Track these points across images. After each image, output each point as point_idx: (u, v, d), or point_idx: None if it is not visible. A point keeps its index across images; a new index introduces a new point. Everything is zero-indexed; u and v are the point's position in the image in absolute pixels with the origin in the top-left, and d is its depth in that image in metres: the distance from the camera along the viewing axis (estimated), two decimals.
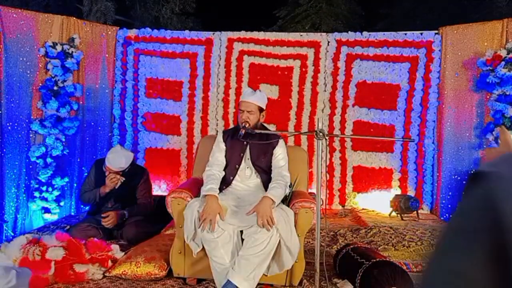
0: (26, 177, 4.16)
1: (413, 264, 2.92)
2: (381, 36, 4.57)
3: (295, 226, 2.52)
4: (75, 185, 4.46)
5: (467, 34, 4.22)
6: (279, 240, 2.43)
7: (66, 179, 4.34)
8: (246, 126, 2.64)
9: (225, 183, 2.72)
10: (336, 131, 4.55)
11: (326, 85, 4.62)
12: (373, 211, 4.44)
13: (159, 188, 4.70)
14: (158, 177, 4.74)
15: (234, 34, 4.73)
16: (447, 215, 4.30)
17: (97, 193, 3.35)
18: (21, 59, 4.09)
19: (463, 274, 0.33)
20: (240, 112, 2.72)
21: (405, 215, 4.12)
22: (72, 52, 4.30)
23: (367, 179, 4.61)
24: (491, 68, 3.90)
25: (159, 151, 4.81)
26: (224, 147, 2.77)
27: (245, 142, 2.71)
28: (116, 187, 3.30)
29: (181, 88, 4.79)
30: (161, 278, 2.66)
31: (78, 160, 4.51)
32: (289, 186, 2.73)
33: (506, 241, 0.30)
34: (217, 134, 2.95)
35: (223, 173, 2.74)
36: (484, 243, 0.32)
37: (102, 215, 3.23)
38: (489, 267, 0.31)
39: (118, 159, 3.29)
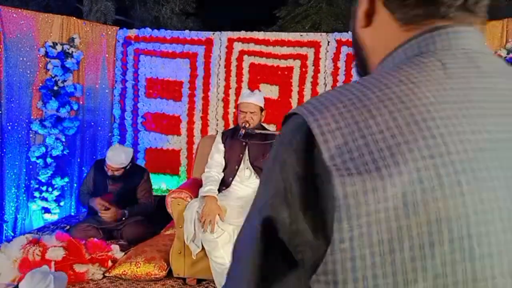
0: (26, 177, 4.16)
1: None
2: None
3: None
4: (75, 185, 4.46)
5: None
6: None
7: (66, 179, 4.34)
8: (246, 126, 2.64)
9: (225, 184, 2.72)
10: None
11: (326, 85, 4.62)
12: None
13: (159, 188, 4.70)
14: (158, 177, 4.74)
15: (234, 34, 4.73)
16: None
17: (88, 202, 3.39)
18: (21, 59, 4.09)
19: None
20: (240, 114, 2.71)
21: None
22: (72, 52, 4.30)
23: None
24: None
25: (159, 151, 4.81)
26: (223, 148, 2.77)
27: (244, 143, 2.71)
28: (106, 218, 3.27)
29: (181, 88, 4.79)
30: (161, 278, 2.66)
31: (78, 160, 4.52)
32: None
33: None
34: (216, 135, 2.95)
35: (222, 174, 2.74)
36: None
37: (102, 210, 3.23)
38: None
39: (117, 155, 3.30)
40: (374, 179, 0.34)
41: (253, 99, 2.68)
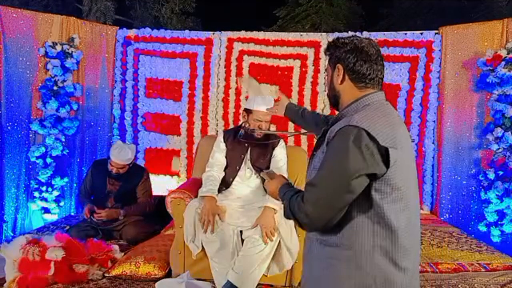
0: (26, 177, 4.15)
1: None
2: (381, 36, 4.57)
3: (295, 226, 2.52)
4: (75, 185, 4.46)
5: (467, 34, 4.21)
6: (279, 241, 2.43)
7: (66, 179, 4.34)
8: (246, 126, 2.63)
9: (225, 184, 2.72)
10: None
11: (326, 85, 4.61)
12: None
13: (158, 188, 4.69)
14: (158, 177, 4.74)
15: (234, 34, 4.73)
16: (447, 215, 4.30)
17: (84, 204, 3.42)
18: (21, 59, 4.09)
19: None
20: (255, 122, 2.60)
21: None
22: (72, 52, 4.30)
23: None
24: (491, 68, 3.89)
25: (159, 151, 4.80)
26: (225, 148, 2.75)
27: (246, 144, 2.70)
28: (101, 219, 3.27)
29: (181, 88, 4.79)
30: (160, 278, 2.66)
31: (78, 160, 4.51)
32: None
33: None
34: (217, 134, 2.94)
35: (223, 173, 2.73)
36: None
37: (96, 213, 3.24)
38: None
39: (124, 151, 3.29)
40: (396, 150, 1.10)
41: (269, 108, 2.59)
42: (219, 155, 2.74)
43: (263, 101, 2.55)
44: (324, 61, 4.61)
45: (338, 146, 1.10)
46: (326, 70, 1.34)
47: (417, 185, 1.26)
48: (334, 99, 1.28)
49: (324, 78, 4.63)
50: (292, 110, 1.82)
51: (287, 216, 1.23)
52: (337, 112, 1.28)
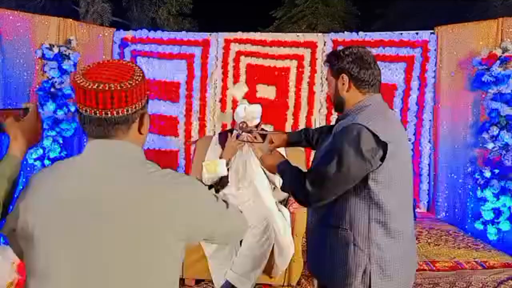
0: (24, 180, 4.15)
1: None
2: (377, 36, 4.59)
3: (292, 227, 2.54)
4: None
5: (462, 34, 4.24)
6: (273, 245, 2.45)
7: None
8: (243, 126, 2.65)
9: (221, 184, 2.74)
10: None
11: (322, 85, 4.63)
12: None
13: None
14: None
15: (231, 35, 4.74)
16: (443, 213, 4.32)
17: None
18: (18, 61, 4.09)
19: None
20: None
21: None
22: (69, 53, 4.30)
23: None
24: (486, 67, 3.91)
25: (157, 152, 4.81)
26: (220, 150, 2.78)
27: (242, 144, 2.72)
28: None
29: (178, 89, 4.80)
30: None
31: None
32: None
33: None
34: (214, 136, 2.97)
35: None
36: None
37: None
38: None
39: None
40: (394, 144, 1.26)
41: (253, 122, 2.68)
42: (212, 156, 2.79)
43: (239, 112, 2.69)
44: (320, 61, 4.63)
45: (342, 143, 1.26)
46: (326, 78, 1.49)
47: (412, 177, 1.43)
48: (340, 104, 1.44)
49: (321, 79, 4.65)
50: (294, 136, 1.77)
51: (285, 190, 1.47)
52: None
